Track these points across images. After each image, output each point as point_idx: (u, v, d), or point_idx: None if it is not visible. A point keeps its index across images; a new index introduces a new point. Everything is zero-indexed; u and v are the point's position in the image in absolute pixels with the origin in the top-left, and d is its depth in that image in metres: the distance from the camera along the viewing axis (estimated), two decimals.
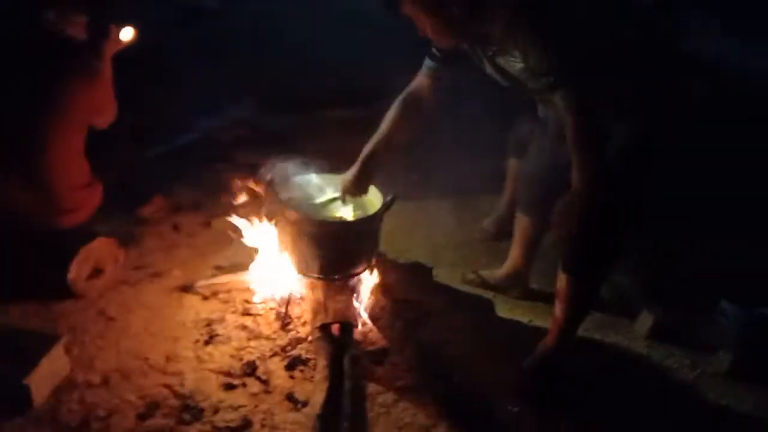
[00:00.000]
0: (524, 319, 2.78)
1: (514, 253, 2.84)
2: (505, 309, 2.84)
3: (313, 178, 2.59)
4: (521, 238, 2.78)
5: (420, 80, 2.38)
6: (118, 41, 2.62)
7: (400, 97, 2.40)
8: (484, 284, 2.94)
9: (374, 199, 2.53)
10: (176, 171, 3.80)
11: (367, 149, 2.43)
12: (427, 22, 2.00)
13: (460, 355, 2.46)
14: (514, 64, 2.05)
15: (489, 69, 2.20)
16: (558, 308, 2.35)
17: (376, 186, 2.54)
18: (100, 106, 2.57)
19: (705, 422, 2.38)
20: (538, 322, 2.75)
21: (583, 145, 1.93)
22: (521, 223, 2.75)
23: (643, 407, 2.38)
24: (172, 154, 4.08)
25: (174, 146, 4.12)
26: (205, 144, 4.24)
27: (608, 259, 2.26)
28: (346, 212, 2.53)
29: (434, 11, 1.96)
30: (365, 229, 2.46)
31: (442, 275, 3.02)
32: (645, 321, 2.74)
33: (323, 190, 2.57)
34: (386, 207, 2.42)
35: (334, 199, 2.55)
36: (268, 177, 2.48)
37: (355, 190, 2.48)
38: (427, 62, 2.34)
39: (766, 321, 2.54)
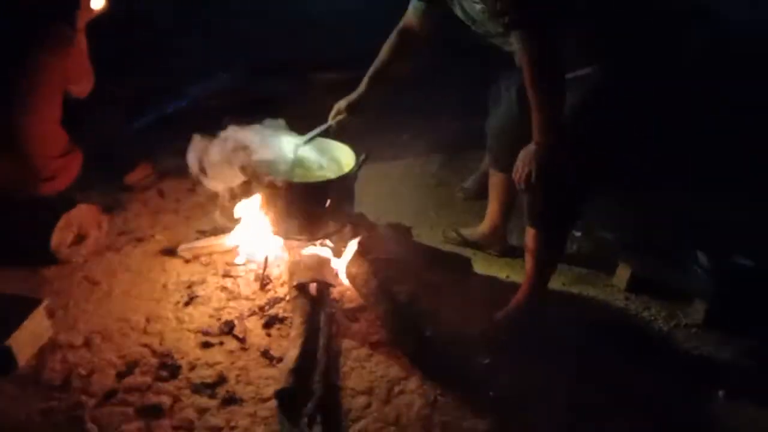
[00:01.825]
0: (502, 275, 2.82)
1: (491, 209, 2.85)
2: (484, 266, 2.88)
3: (287, 140, 2.61)
4: (495, 193, 2.79)
5: (409, 18, 2.41)
6: (90, 9, 2.64)
7: (395, 31, 2.45)
8: (464, 242, 2.97)
9: (348, 158, 2.56)
10: (165, 138, 3.82)
11: (363, 82, 2.50)
12: None
13: (435, 311, 2.49)
14: (474, 5, 2.05)
15: (458, 11, 2.19)
16: (528, 261, 2.39)
17: (350, 146, 2.57)
18: (75, 74, 2.61)
19: (679, 372, 2.40)
20: (516, 278, 2.78)
21: (538, 89, 1.93)
22: (493, 179, 2.76)
23: (617, 358, 2.40)
24: (162, 121, 4.13)
25: (163, 114, 4.16)
26: (195, 111, 4.27)
27: (569, 211, 2.28)
28: (320, 172, 2.56)
29: None
30: (339, 188, 2.49)
31: (424, 235, 3.07)
32: (622, 274, 2.77)
33: (297, 151, 2.60)
34: (358, 166, 2.45)
35: (305, 158, 2.59)
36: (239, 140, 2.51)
37: (351, 110, 2.53)
38: (414, 2, 2.37)
39: (740, 270, 2.55)
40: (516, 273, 2.82)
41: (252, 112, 3.18)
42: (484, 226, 2.92)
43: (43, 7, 2.51)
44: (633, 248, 2.81)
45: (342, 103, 2.55)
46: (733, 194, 3.35)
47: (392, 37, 2.46)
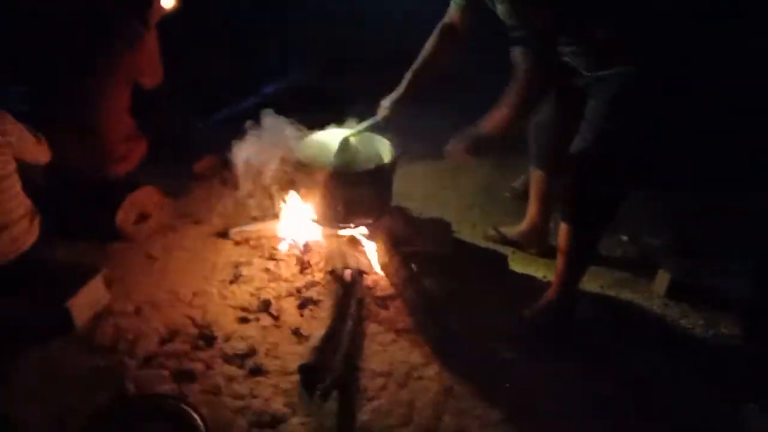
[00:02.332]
0: (539, 275, 2.83)
1: (531, 208, 2.87)
2: (522, 265, 2.90)
3: (332, 134, 2.75)
4: (535, 192, 2.80)
5: (450, 14, 2.50)
6: (161, 9, 2.89)
7: (437, 27, 2.53)
8: (504, 240, 3.00)
9: (388, 152, 2.66)
10: (235, 132, 4.09)
11: (409, 73, 2.59)
12: None
13: (466, 305, 2.56)
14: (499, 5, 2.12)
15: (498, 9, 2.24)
16: (559, 259, 2.40)
17: (391, 141, 2.67)
18: (143, 68, 2.86)
19: (710, 381, 2.32)
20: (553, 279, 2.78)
21: (522, 96, 2.11)
22: (534, 177, 2.78)
23: (644, 362, 2.37)
24: (235, 117, 4.39)
25: (236, 110, 4.42)
26: (268, 106, 4.49)
27: (602, 210, 2.27)
28: (360, 164, 2.68)
29: None
30: (376, 179, 2.60)
31: (465, 232, 3.12)
32: (662, 280, 2.71)
33: (341, 144, 2.73)
34: (395, 160, 2.55)
35: (349, 152, 2.71)
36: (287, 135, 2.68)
37: (396, 107, 2.63)
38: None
39: None
40: (553, 274, 2.81)
41: (323, 110, 3.38)
42: (524, 225, 2.94)
43: (120, 7, 2.78)
44: (675, 254, 2.75)
45: (387, 100, 2.65)
46: None
47: (435, 33, 2.54)
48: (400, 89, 2.62)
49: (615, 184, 2.21)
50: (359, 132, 2.72)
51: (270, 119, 2.79)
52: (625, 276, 2.85)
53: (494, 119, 2.26)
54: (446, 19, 2.52)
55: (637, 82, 2.06)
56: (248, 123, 2.82)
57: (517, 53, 2.07)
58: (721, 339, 2.51)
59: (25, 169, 2.46)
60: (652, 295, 2.74)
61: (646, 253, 2.97)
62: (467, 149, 2.35)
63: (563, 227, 2.34)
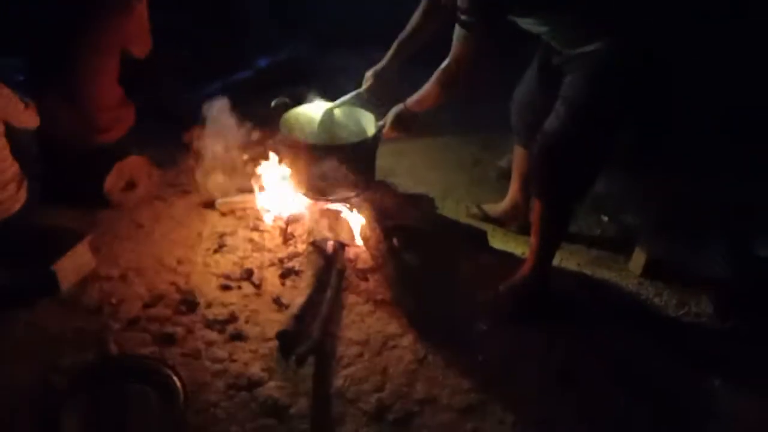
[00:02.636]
0: (517, 251, 2.89)
1: (513, 185, 2.92)
2: (502, 242, 2.96)
3: (317, 107, 2.78)
4: (517, 169, 2.85)
5: None
6: None
7: (420, 4, 2.55)
8: (486, 218, 3.05)
9: (372, 126, 2.70)
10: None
11: (395, 43, 2.62)
12: None
13: (444, 278, 2.61)
14: None
15: None
16: (532, 235, 2.45)
17: (375, 114, 2.71)
18: (131, 37, 2.88)
19: (679, 357, 2.39)
20: None
21: (448, 77, 2.20)
22: (516, 154, 2.82)
23: (617, 338, 2.43)
24: (228, 89, 4.42)
25: (228, 83, 4.44)
26: (260, 81, 4.52)
27: (575, 187, 2.32)
28: (344, 137, 2.72)
29: None
30: (359, 153, 2.63)
31: (448, 208, 3.18)
32: (638, 259, 2.77)
33: (325, 117, 2.76)
34: (378, 134, 2.59)
35: (333, 125, 2.75)
36: (273, 105, 2.71)
37: (380, 77, 2.65)
38: None
39: (756, 262, 2.51)
40: None
41: (313, 83, 3.41)
42: (505, 203, 2.99)
43: None
44: (652, 233, 2.80)
45: (371, 72, 2.68)
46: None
47: (420, 6, 2.56)
48: (384, 59, 2.65)
49: (587, 161, 2.25)
50: (343, 103, 2.74)
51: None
52: (603, 254, 2.91)
53: (421, 99, 2.35)
54: None
55: (610, 58, 2.08)
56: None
57: (456, 32, 2.10)
58: (692, 318, 2.57)
59: (14, 135, 2.51)
60: (628, 273, 2.80)
61: (624, 232, 3.03)
62: (394, 126, 2.46)
63: (536, 204, 2.39)
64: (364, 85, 2.70)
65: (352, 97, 2.73)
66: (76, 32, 2.75)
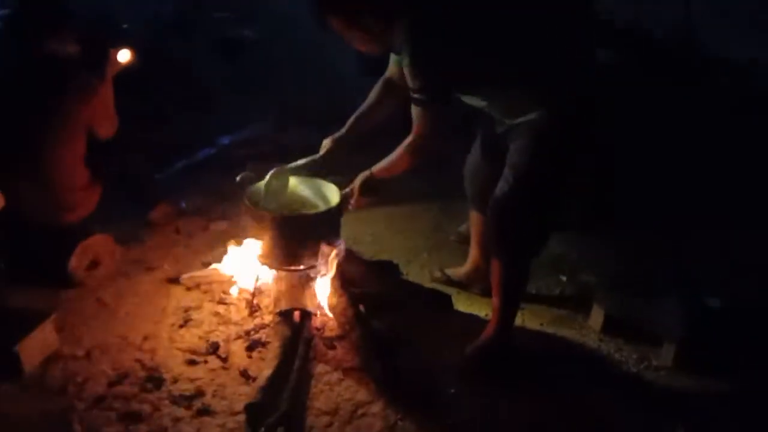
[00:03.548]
0: (481, 314, 2.93)
1: (473, 249, 3.00)
2: (466, 304, 3.00)
3: (284, 180, 2.85)
4: (475, 233, 2.94)
5: (390, 68, 2.65)
6: (117, 63, 3.01)
7: (379, 81, 2.70)
8: (449, 281, 3.11)
9: (335, 196, 2.77)
10: (191, 181, 4.21)
11: (352, 117, 2.74)
12: (352, 36, 2.27)
13: (411, 343, 2.64)
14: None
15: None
16: (493, 296, 2.53)
17: (337, 185, 2.79)
18: (97, 120, 2.96)
19: (642, 409, 2.44)
20: None
21: (410, 150, 2.36)
22: (473, 218, 2.92)
23: (582, 394, 2.48)
24: (193, 166, 4.50)
25: (194, 160, 4.54)
26: (224, 158, 4.61)
27: (527, 246, 2.44)
28: (307, 208, 2.80)
29: (355, 26, 2.22)
30: (324, 222, 2.70)
31: (413, 273, 3.23)
32: (597, 315, 2.84)
33: (289, 189, 2.84)
34: (341, 203, 2.66)
35: (299, 196, 2.82)
36: (239, 179, 2.78)
37: (335, 145, 2.76)
38: (392, 56, 2.59)
39: (710, 313, 2.60)
40: None
41: (277, 160, 3.50)
42: (467, 266, 3.06)
43: (76, 59, 2.89)
44: (609, 290, 2.90)
45: (328, 138, 2.79)
46: (721, 232, 3.48)
47: (378, 84, 2.71)
48: (341, 130, 2.77)
49: (537, 220, 2.38)
50: (299, 168, 2.82)
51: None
52: (564, 313, 2.98)
53: (387, 167, 2.49)
54: (387, 74, 2.69)
55: (546, 125, 2.23)
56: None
57: (412, 110, 2.25)
58: (653, 371, 2.64)
59: None
60: (589, 330, 2.87)
61: (583, 290, 3.12)
62: (362, 192, 2.58)
63: (493, 264, 2.48)
64: (321, 151, 2.80)
65: (309, 162, 2.81)
66: (41, 113, 2.81)
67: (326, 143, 2.78)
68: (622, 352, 2.73)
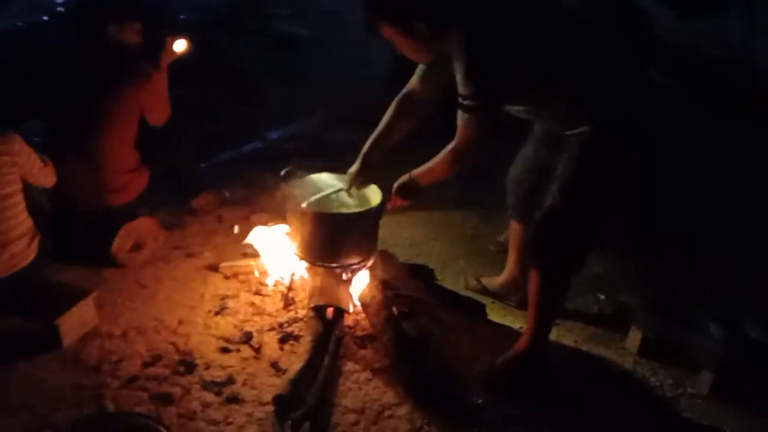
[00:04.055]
0: (515, 326, 2.90)
1: (510, 260, 2.98)
2: (500, 315, 2.99)
3: (324, 177, 2.87)
4: (513, 244, 2.92)
5: (413, 82, 2.61)
6: (173, 52, 3.08)
7: (396, 98, 2.65)
8: (484, 291, 3.09)
9: (376, 198, 2.78)
10: (237, 172, 4.27)
11: (366, 145, 2.71)
12: (403, 42, 2.27)
13: (442, 350, 2.63)
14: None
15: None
16: (529, 308, 2.49)
17: (379, 187, 2.80)
18: (150, 106, 3.04)
19: None
20: None
21: (451, 159, 2.35)
22: (512, 229, 2.90)
23: (611, 416, 2.43)
24: (239, 158, 4.58)
25: (240, 152, 4.61)
26: (270, 152, 4.67)
27: (569, 260, 2.40)
28: (347, 207, 2.80)
29: (405, 32, 2.22)
30: (361, 223, 2.71)
31: (448, 280, 3.23)
32: (634, 337, 2.79)
33: (331, 187, 2.85)
34: (381, 205, 2.67)
35: (339, 195, 2.83)
36: (283, 174, 2.81)
37: (357, 181, 2.74)
38: (419, 66, 2.57)
39: (750, 343, 2.53)
40: None
41: (320, 157, 3.54)
42: (503, 276, 3.04)
43: (134, 47, 2.97)
44: (648, 312, 2.83)
45: (346, 176, 2.76)
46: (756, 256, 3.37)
47: (391, 107, 2.66)
48: (356, 163, 2.72)
49: (580, 235, 2.35)
50: (318, 198, 2.76)
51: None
52: (600, 332, 2.93)
53: (428, 172, 2.46)
54: (405, 90, 2.64)
55: (596, 140, 2.21)
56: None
57: (459, 116, 2.23)
58: (688, 398, 2.57)
59: (30, 192, 2.60)
60: (625, 352, 2.81)
61: (621, 310, 3.06)
62: (397, 194, 2.56)
63: (532, 276, 2.45)
64: (345, 183, 2.77)
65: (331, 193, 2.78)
66: (97, 97, 2.90)
67: (351, 172, 2.74)
68: (658, 377, 2.68)
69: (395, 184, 2.58)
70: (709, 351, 2.59)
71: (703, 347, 2.62)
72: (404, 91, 2.64)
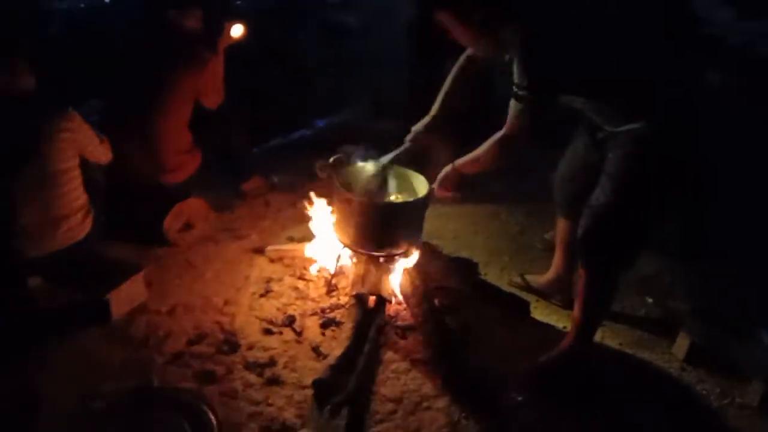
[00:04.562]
0: (559, 325, 2.86)
1: (557, 258, 2.92)
2: (544, 314, 2.94)
3: (371, 166, 2.88)
4: (560, 241, 2.86)
5: (463, 59, 2.63)
6: (230, 37, 3.13)
7: (458, 62, 2.66)
8: (529, 288, 3.04)
9: (423, 188, 2.78)
10: (286, 158, 4.32)
11: (437, 102, 2.73)
12: (458, 29, 2.24)
13: (483, 345, 2.61)
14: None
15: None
16: (576, 307, 2.45)
17: (427, 179, 2.79)
18: (205, 89, 3.10)
19: None
20: None
21: (500, 147, 2.30)
22: (559, 226, 2.84)
23: (653, 424, 2.38)
24: (288, 145, 4.62)
25: (290, 139, 4.66)
26: (319, 140, 4.71)
27: (619, 259, 2.35)
28: (393, 197, 2.81)
29: (465, 23, 2.19)
30: (407, 213, 2.72)
31: (492, 275, 3.19)
32: (682, 343, 2.71)
33: (379, 175, 2.85)
34: (427, 196, 2.66)
35: (386, 182, 2.84)
36: (332, 161, 2.83)
37: (423, 138, 2.77)
38: None
39: None
40: None
41: (367, 146, 3.55)
42: (549, 274, 2.99)
43: (193, 31, 3.03)
44: (698, 319, 2.75)
45: (418, 125, 2.79)
46: None
47: (455, 69, 2.68)
48: (430, 113, 2.76)
49: (631, 234, 2.30)
50: (391, 160, 2.84)
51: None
52: (646, 336, 2.85)
53: (472, 161, 2.43)
54: (465, 57, 2.65)
55: (650, 137, 2.16)
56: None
57: (512, 105, 2.20)
58: (736, 409, 2.49)
59: (86, 167, 2.68)
60: (671, 357, 2.74)
61: (669, 315, 2.98)
62: (444, 186, 2.54)
63: (581, 274, 2.41)
64: (408, 138, 2.81)
65: (393, 157, 2.83)
66: (155, 79, 2.97)
67: (416, 128, 2.78)
68: (704, 385, 2.60)
69: (439, 175, 2.57)
70: (760, 360, 2.51)
71: (753, 356, 2.53)
72: (463, 57, 2.63)
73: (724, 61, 3.80)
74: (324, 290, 2.83)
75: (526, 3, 2.14)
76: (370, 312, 2.63)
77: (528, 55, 2.11)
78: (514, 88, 2.17)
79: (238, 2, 5.64)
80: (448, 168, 2.53)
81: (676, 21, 2.32)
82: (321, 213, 2.95)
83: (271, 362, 2.42)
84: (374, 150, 2.96)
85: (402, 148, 2.82)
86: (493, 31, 2.19)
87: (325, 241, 2.94)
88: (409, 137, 2.81)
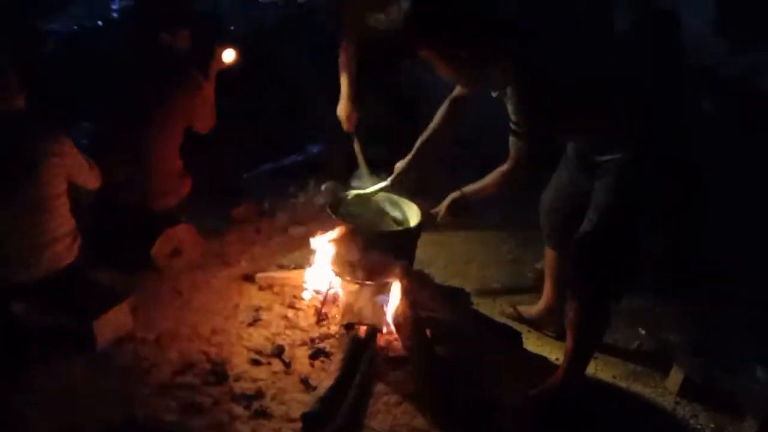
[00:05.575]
0: (551, 356, 2.83)
1: (547, 288, 2.91)
2: (536, 344, 2.91)
3: (363, 193, 2.86)
4: (549, 272, 2.85)
5: (458, 89, 2.61)
6: (221, 62, 3.12)
7: (447, 99, 2.65)
8: (520, 319, 3.02)
9: (414, 217, 2.76)
10: (277, 185, 4.30)
11: (418, 143, 2.71)
12: (440, 65, 2.23)
13: (474, 377, 2.57)
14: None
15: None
16: (567, 338, 2.43)
17: (420, 207, 2.77)
18: (197, 114, 3.08)
19: None
20: None
21: (503, 177, 2.30)
22: (548, 256, 2.83)
23: None
24: (279, 170, 4.60)
25: (281, 164, 4.63)
26: (309, 165, 4.69)
27: (608, 289, 2.34)
28: (385, 226, 2.78)
29: (445, 56, 2.19)
30: (399, 242, 2.69)
31: (484, 305, 3.16)
32: (675, 377, 2.68)
33: (372, 205, 2.84)
34: (419, 226, 2.64)
35: (379, 212, 2.82)
36: (323, 188, 2.82)
37: (404, 176, 2.76)
38: None
39: None
40: None
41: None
42: (540, 305, 2.97)
43: (185, 55, 3.01)
44: (691, 352, 2.73)
45: (400, 162, 2.78)
46: None
47: (443, 107, 2.66)
48: (409, 155, 2.75)
49: (620, 262, 2.29)
50: (371, 193, 2.85)
51: None
52: (639, 369, 2.83)
53: (480, 188, 2.43)
54: (455, 93, 2.63)
55: (635, 166, 2.18)
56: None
57: (511, 142, 2.22)
58: None
59: (74, 193, 2.64)
60: (665, 391, 2.71)
61: (663, 348, 2.95)
62: (448, 211, 2.51)
63: (570, 306, 2.40)
64: (394, 173, 2.80)
65: (379, 189, 2.83)
66: (146, 102, 2.94)
67: (398, 166, 2.77)
68: (698, 419, 2.57)
69: (446, 200, 2.54)
70: (755, 396, 2.49)
71: (748, 392, 2.51)
72: (453, 93, 2.62)
73: (717, 92, 3.83)
74: (314, 319, 2.78)
75: (514, 42, 2.14)
76: (360, 342, 2.59)
77: (520, 94, 2.12)
78: (511, 125, 2.19)
79: (232, 27, 5.66)
80: (455, 194, 2.50)
81: (665, 55, 2.33)
82: (323, 242, 2.92)
83: (259, 394, 2.36)
84: (358, 180, 2.98)
85: (380, 186, 2.82)
86: (479, 68, 2.20)
87: (318, 268, 2.91)
88: (390, 178, 2.80)
